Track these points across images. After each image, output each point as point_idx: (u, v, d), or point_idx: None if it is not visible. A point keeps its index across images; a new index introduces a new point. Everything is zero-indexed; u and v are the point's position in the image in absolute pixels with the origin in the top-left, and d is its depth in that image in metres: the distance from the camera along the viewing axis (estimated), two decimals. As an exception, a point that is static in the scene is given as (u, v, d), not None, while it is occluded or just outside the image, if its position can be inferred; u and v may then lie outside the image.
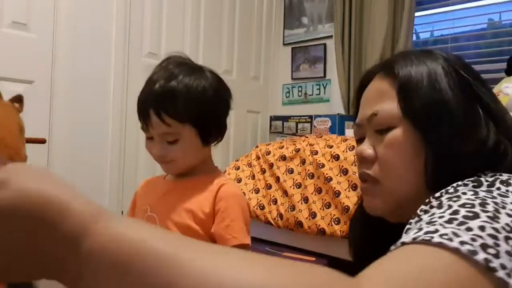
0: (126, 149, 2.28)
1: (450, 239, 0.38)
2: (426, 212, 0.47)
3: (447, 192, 0.49)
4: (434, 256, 0.37)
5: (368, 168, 0.61)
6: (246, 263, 0.31)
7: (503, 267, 0.37)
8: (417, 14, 2.53)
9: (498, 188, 0.48)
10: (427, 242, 0.38)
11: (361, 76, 0.70)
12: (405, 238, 0.41)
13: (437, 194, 0.50)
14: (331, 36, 2.77)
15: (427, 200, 0.50)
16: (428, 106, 0.57)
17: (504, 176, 0.51)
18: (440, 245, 0.38)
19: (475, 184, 0.49)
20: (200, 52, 2.63)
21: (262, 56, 3.04)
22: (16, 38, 1.87)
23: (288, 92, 3.07)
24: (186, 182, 0.91)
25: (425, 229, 0.40)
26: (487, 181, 0.49)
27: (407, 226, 0.48)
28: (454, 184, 0.50)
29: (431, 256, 0.37)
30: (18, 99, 1.64)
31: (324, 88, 2.88)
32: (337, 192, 1.53)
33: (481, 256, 0.37)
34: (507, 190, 0.47)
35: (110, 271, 0.30)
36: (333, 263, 1.64)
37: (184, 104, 0.84)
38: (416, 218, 0.48)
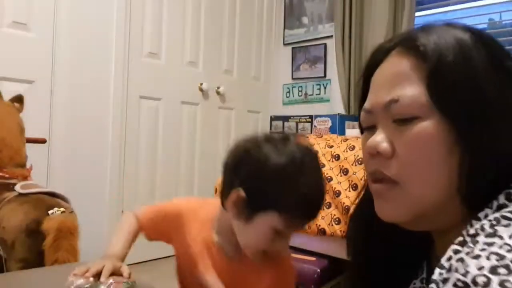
0: (126, 149, 2.28)
1: None
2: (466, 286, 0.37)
3: (482, 230, 0.40)
4: None
5: (384, 166, 0.49)
6: None
7: None
8: (417, 14, 2.53)
9: None
10: None
11: (372, 52, 0.56)
12: None
13: (472, 232, 0.40)
14: (331, 36, 2.77)
15: (460, 239, 0.41)
16: (465, 94, 0.45)
17: None
18: None
19: None
20: (200, 52, 2.63)
21: (263, 56, 3.04)
22: (17, 38, 1.87)
23: (289, 92, 3.07)
24: (253, 265, 0.82)
25: None
26: None
27: (440, 274, 0.39)
28: (492, 218, 0.41)
29: None
30: (18, 99, 1.64)
31: (325, 88, 2.88)
32: (337, 192, 1.53)
33: None
34: None
35: None
36: (334, 263, 1.64)
37: None
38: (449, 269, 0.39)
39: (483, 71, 0.45)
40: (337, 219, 1.52)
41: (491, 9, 2.39)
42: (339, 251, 1.55)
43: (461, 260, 0.38)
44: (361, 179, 1.46)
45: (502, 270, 0.35)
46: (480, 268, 0.36)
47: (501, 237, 0.37)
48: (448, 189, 0.46)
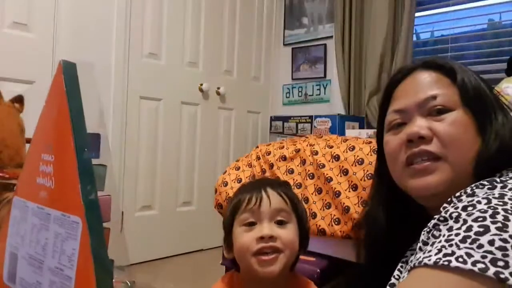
0: (127, 150, 2.28)
1: (465, 262, 0.46)
2: (445, 221, 0.53)
3: (465, 193, 0.55)
4: (453, 281, 0.46)
5: (428, 146, 0.64)
6: None
7: None
8: (417, 14, 2.53)
9: (510, 189, 0.52)
10: (446, 268, 0.47)
11: (394, 73, 0.75)
12: (427, 257, 0.49)
13: (457, 194, 0.56)
14: (331, 37, 2.77)
15: (449, 199, 0.56)
16: (480, 98, 0.65)
17: None
18: (457, 269, 0.46)
19: (490, 186, 0.54)
20: (200, 52, 2.64)
21: (263, 56, 3.04)
22: (17, 38, 1.87)
23: (289, 92, 3.07)
24: None
25: (443, 251, 0.48)
26: (501, 181, 0.54)
27: (436, 222, 0.54)
28: (473, 185, 0.55)
29: (450, 282, 0.46)
30: (19, 99, 1.64)
31: (324, 88, 2.88)
32: (337, 192, 1.53)
33: (491, 271, 0.44)
34: None
35: None
36: (334, 263, 1.64)
37: None
38: (441, 219, 0.54)
39: (485, 88, 0.67)
40: (337, 220, 1.51)
41: (491, 10, 2.39)
42: (339, 251, 1.55)
43: (444, 208, 0.55)
44: (361, 180, 1.47)
45: (470, 207, 0.51)
46: (456, 208, 0.53)
47: (476, 194, 0.54)
48: (471, 164, 0.62)
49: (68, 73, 0.55)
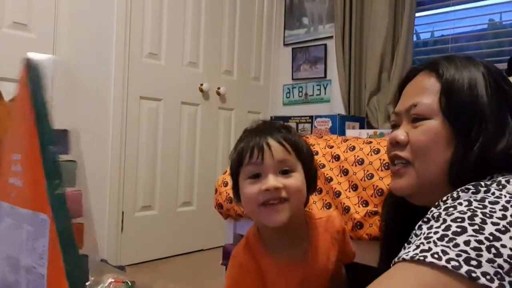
0: (127, 149, 2.28)
1: (440, 258, 0.48)
2: (428, 221, 0.56)
3: (451, 197, 0.57)
4: (426, 275, 0.48)
5: (401, 151, 0.69)
6: None
7: (484, 274, 0.46)
8: (417, 14, 2.53)
9: (493, 193, 0.54)
10: (422, 262, 0.49)
11: (406, 72, 0.78)
12: (405, 252, 0.51)
13: (444, 198, 0.58)
14: (331, 37, 2.77)
15: (436, 203, 0.58)
16: (464, 107, 0.64)
17: (504, 179, 0.57)
18: (431, 264, 0.48)
19: (474, 190, 0.56)
20: (200, 52, 2.63)
21: (263, 56, 3.04)
22: (17, 38, 1.87)
23: (289, 92, 3.07)
24: (305, 251, 0.86)
25: (421, 247, 0.51)
26: (486, 185, 0.56)
27: (420, 223, 0.57)
28: (459, 189, 0.57)
29: (424, 276, 0.48)
30: (19, 99, 1.64)
31: (325, 88, 2.88)
32: (337, 192, 1.53)
33: (464, 269, 0.46)
34: (500, 194, 0.54)
35: None
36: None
37: None
38: (425, 220, 0.56)
39: (482, 94, 0.64)
40: (337, 220, 1.51)
41: (491, 10, 2.39)
42: (339, 251, 1.55)
43: (431, 211, 0.58)
44: (361, 180, 1.46)
45: (451, 208, 0.54)
46: (439, 209, 0.56)
47: (460, 198, 0.56)
48: (442, 172, 0.64)
49: (31, 71, 0.55)
